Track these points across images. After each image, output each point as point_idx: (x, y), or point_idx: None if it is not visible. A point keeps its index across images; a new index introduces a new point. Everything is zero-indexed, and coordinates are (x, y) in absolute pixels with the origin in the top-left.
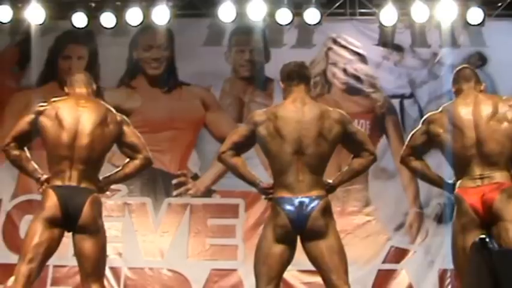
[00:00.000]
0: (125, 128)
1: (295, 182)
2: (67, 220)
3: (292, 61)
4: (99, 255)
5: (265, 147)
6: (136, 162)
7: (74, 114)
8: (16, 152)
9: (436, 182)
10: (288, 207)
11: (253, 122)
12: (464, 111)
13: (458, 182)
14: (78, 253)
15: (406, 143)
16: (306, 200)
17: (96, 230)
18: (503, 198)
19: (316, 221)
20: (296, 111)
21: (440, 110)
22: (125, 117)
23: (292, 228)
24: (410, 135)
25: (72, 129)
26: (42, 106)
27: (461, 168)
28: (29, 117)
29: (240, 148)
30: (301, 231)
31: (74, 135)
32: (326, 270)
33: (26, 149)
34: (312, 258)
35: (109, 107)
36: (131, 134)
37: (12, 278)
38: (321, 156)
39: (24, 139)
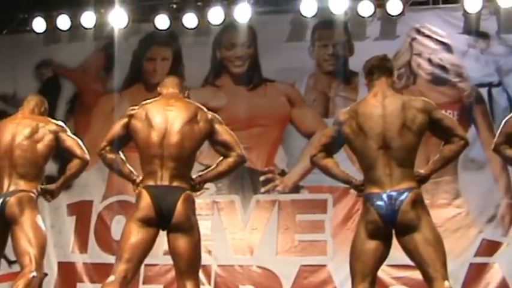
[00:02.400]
0: (217, 126)
1: (384, 177)
2: (161, 219)
3: (374, 56)
4: (193, 253)
5: (351, 145)
6: (230, 160)
7: (162, 114)
8: (111, 156)
9: None
10: (378, 202)
11: (338, 122)
12: None
13: None
14: (172, 251)
15: (499, 130)
16: (395, 194)
17: (189, 228)
18: None
19: (406, 215)
20: (377, 106)
21: None
22: (216, 115)
23: (383, 224)
24: (503, 122)
25: (161, 128)
26: (133, 109)
27: None
28: (122, 121)
29: (329, 149)
30: (393, 225)
31: (163, 134)
32: (422, 263)
33: (121, 152)
34: (408, 252)
35: (200, 105)
36: (223, 131)
37: (110, 278)
38: (408, 148)
39: (118, 142)
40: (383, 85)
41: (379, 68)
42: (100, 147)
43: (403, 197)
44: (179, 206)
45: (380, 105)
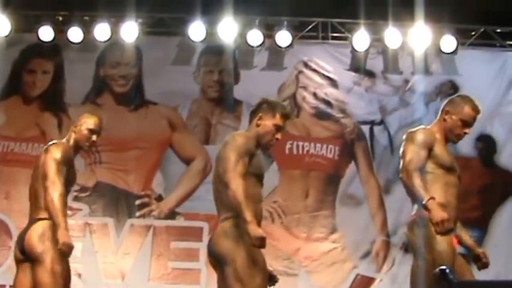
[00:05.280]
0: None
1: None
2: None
3: None
4: (46, 282)
5: None
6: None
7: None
8: None
9: None
10: None
11: None
12: None
13: None
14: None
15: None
16: None
17: (36, 258)
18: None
19: (214, 247)
20: None
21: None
22: (48, 148)
23: None
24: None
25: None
26: None
27: None
28: None
29: None
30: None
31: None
32: None
33: None
34: None
35: (57, 142)
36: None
37: None
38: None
39: None
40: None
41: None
42: None
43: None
44: (27, 236)
45: None
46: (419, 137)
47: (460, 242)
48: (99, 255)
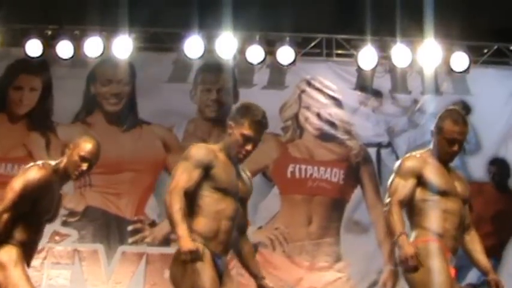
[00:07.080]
0: None
1: None
2: None
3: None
4: None
5: None
6: None
7: None
8: None
9: None
10: None
11: None
12: None
13: None
14: None
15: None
16: None
17: None
18: None
19: None
20: None
21: None
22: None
23: None
24: None
25: None
26: None
27: None
28: None
29: None
30: None
31: None
32: None
33: None
34: None
35: (34, 164)
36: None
37: None
38: None
39: None
40: None
41: None
42: None
43: None
44: None
45: None
46: (404, 165)
47: (476, 265)
48: (89, 284)
